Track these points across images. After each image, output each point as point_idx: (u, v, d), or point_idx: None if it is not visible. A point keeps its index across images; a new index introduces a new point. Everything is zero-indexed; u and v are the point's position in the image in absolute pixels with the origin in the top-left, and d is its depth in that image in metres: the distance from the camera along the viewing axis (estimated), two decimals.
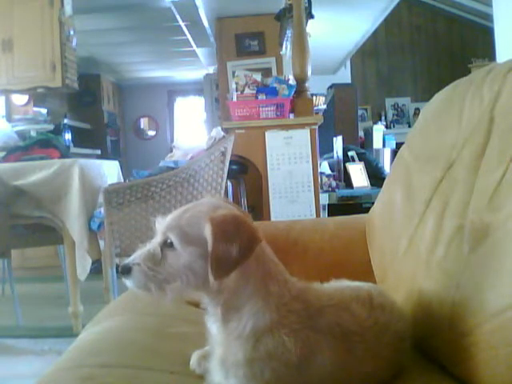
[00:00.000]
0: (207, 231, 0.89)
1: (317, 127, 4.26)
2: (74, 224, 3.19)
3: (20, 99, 6.94)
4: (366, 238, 1.51)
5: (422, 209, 1.26)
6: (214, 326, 0.96)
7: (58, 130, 6.12)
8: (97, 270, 3.94)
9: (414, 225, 1.27)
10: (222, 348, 0.94)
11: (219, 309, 0.94)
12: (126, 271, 0.94)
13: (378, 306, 1.04)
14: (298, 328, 0.93)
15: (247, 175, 4.49)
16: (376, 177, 5.30)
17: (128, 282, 0.94)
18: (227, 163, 3.07)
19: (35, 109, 6.46)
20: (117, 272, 0.97)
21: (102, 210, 2.97)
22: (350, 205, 4.90)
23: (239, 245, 0.89)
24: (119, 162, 4.32)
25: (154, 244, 0.95)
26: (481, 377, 0.92)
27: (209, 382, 0.95)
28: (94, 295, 3.91)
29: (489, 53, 7.76)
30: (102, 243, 3.37)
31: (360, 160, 5.53)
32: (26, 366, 2.58)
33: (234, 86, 4.43)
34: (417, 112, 9.24)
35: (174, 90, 11.35)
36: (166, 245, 0.93)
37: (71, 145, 7.01)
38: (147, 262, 0.93)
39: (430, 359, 1.11)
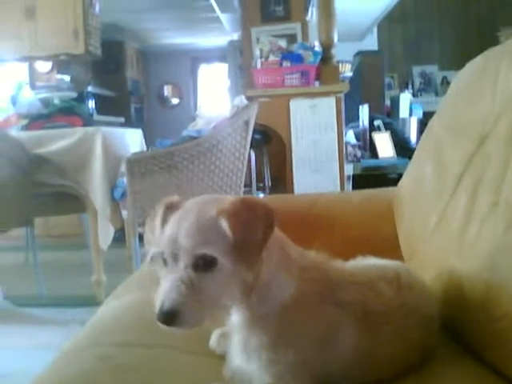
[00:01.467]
0: (224, 227, 0.80)
1: (343, 95, 4.19)
2: (97, 193, 3.18)
3: (43, 66, 6.93)
4: (394, 213, 1.46)
5: (454, 184, 1.20)
6: (234, 308, 0.90)
7: (81, 98, 6.08)
8: (120, 238, 3.94)
9: (445, 200, 1.21)
10: (243, 330, 0.90)
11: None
12: (172, 319, 0.77)
13: (405, 286, 0.99)
14: (319, 301, 0.89)
15: (271, 145, 4.43)
16: (402, 147, 5.21)
17: (179, 330, 0.79)
18: (250, 132, 3.02)
19: (58, 76, 6.44)
20: (162, 322, 0.78)
21: (125, 179, 2.95)
22: (374, 176, 4.82)
23: (260, 226, 0.81)
24: (142, 130, 4.29)
25: (181, 271, 0.80)
26: None
27: (229, 365, 0.91)
28: (117, 263, 3.92)
29: None
30: (124, 213, 3.36)
31: (386, 129, 5.44)
32: (49, 336, 2.59)
33: (258, 52, 4.35)
34: (444, 80, 9.04)
35: (197, 57, 11.24)
36: (200, 267, 0.80)
37: (94, 112, 6.98)
38: (191, 296, 0.78)
39: (459, 342, 1.07)
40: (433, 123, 1.45)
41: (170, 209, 0.86)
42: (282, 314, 0.87)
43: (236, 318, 0.91)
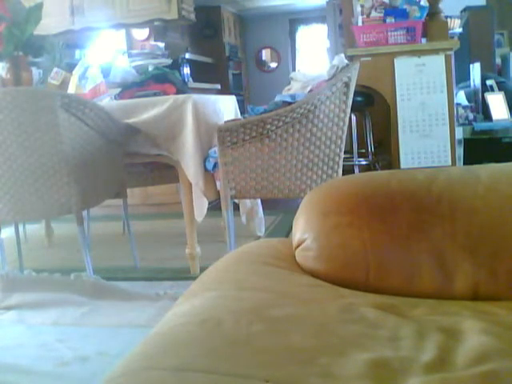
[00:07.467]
0: None
1: (452, 53, 3.87)
2: (189, 163, 3.03)
3: (140, 34, 6.89)
4: None
5: None
6: None
7: (176, 65, 5.99)
8: (216, 207, 3.81)
9: None
10: None
11: None
12: None
13: None
14: None
15: (373, 107, 4.16)
16: None
17: None
18: (351, 95, 2.75)
19: (153, 43, 6.37)
20: None
21: (216, 149, 2.78)
22: (488, 140, 4.44)
23: None
24: (241, 96, 4.11)
25: None
26: None
27: None
28: (213, 233, 3.82)
29: None
30: (219, 184, 3.21)
31: (500, 89, 5.01)
32: (137, 313, 2.46)
33: (359, 9, 4.10)
34: None
35: (295, 19, 10.98)
36: None
37: (190, 79, 6.87)
38: None
39: None
40: None
41: None
42: None
43: None
